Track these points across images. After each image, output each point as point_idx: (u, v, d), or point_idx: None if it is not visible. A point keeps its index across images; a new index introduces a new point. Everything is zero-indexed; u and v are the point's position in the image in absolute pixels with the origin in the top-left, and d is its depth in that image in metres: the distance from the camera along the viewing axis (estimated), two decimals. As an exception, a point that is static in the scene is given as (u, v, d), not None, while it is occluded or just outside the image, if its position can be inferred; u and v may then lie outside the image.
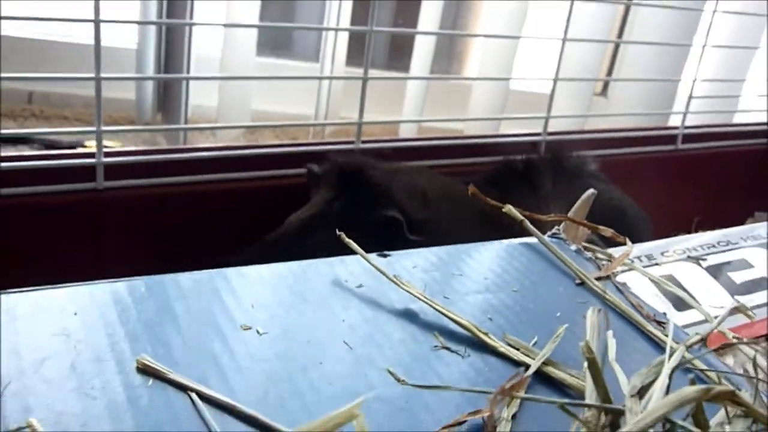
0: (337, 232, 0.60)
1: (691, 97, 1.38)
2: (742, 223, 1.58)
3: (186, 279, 0.53)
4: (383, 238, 0.85)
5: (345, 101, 1.65)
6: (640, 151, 1.37)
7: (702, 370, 0.50)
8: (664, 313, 0.61)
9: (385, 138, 1.12)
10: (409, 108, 1.75)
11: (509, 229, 0.95)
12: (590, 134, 1.33)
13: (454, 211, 0.94)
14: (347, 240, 0.59)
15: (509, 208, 0.70)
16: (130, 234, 0.97)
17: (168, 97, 1.73)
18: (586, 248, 0.72)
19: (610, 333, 0.50)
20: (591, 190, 0.84)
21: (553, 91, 1.21)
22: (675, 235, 1.49)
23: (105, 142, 0.94)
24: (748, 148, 1.53)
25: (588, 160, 1.15)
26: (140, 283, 0.52)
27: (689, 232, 1.51)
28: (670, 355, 0.48)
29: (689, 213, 1.52)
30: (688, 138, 1.43)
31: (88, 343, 0.45)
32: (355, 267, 0.59)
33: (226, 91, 1.67)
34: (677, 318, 0.66)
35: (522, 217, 0.70)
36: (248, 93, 1.64)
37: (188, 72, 1.57)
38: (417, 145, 1.14)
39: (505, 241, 0.69)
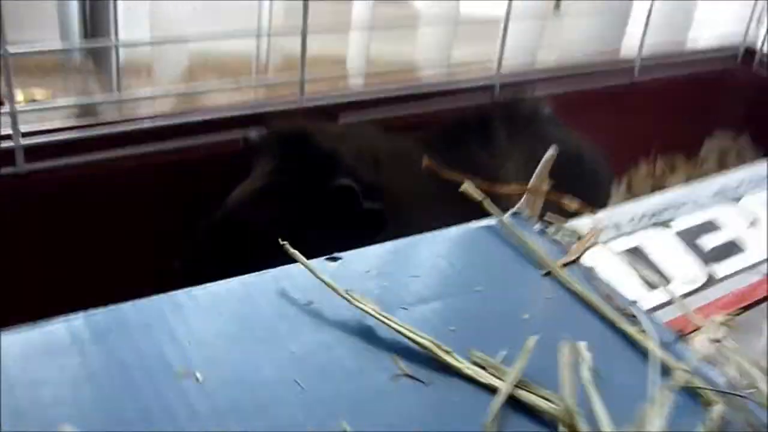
0: (281, 241, 0.54)
1: (647, 24, 1.32)
2: (701, 145, 1.57)
3: (107, 317, 0.47)
4: (337, 209, 0.79)
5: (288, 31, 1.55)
6: (596, 87, 1.32)
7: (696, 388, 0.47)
8: (635, 302, 0.57)
9: (330, 93, 1.04)
10: (355, 38, 1.65)
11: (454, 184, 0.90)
12: (544, 72, 1.27)
13: (409, 173, 0.88)
14: (292, 250, 0.53)
15: (466, 187, 0.65)
16: (58, 223, 0.90)
17: (96, 39, 1.61)
18: (549, 222, 0.67)
19: (585, 367, 0.46)
20: (550, 152, 0.79)
21: (507, 19, 1.14)
22: (635, 166, 1.47)
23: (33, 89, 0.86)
24: (704, 70, 1.49)
25: (542, 103, 1.09)
26: (60, 326, 0.46)
27: (649, 162, 1.49)
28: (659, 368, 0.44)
29: (648, 141, 1.49)
30: (644, 69, 1.38)
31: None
32: (302, 279, 0.53)
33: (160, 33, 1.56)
34: (649, 298, 0.62)
35: (481, 197, 0.64)
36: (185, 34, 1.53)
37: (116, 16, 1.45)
38: (364, 98, 1.07)
39: (463, 227, 0.64)
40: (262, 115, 0.98)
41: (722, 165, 1.54)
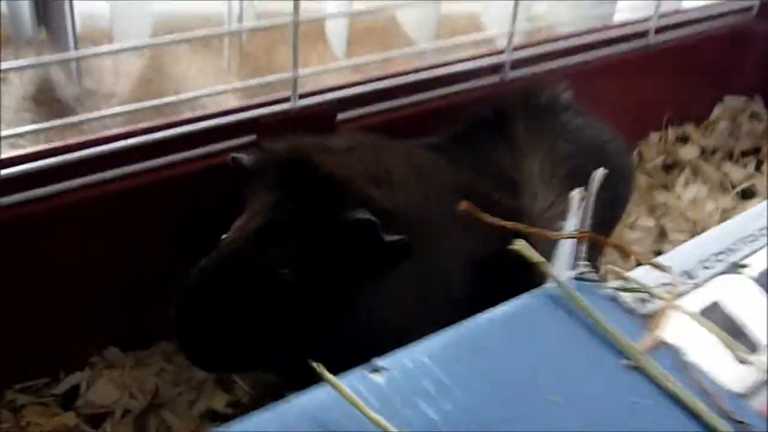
0: (310, 362, 0.42)
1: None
2: (711, 111, 1.46)
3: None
4: (352, 247, 0.67)
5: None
6: (611, 54, 1.20)
7: None
8: (736, 395, 0.48)
9: (324, 88, 0.91)
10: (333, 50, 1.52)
11: (490, 206, 0.79)
12: (557, 41, 1.14)
13: (428, 191, 0.76)
14: (327, 375, 0.42)
15: (520, 247, 0.54)
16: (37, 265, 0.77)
17: (49, 7, 1.45)
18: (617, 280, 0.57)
19: None
20: (598, 176, 0.68)
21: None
22: (645, 137, 1.37)
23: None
24: (716, 32, 1.37)
25: (561, 89, 0.97)
26: None
27: (660, 130, 1.38)
28: None
29: (659, 109, 1.38)
30: (659, 30, 1.26)
31: None
32: (339, 409, 0.42)
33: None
34: (740, 375, 0.53)
35: (538, 258, 0.54)
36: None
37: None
38: (362, 90, 0.94)
39: (517, 303, 0.53)
40: (253, 120, 0.85)
41: (734, 130, 1.44)
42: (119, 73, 1.57)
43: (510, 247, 0.56)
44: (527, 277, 0.78)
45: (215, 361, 0.69)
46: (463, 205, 0.58)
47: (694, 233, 1.18)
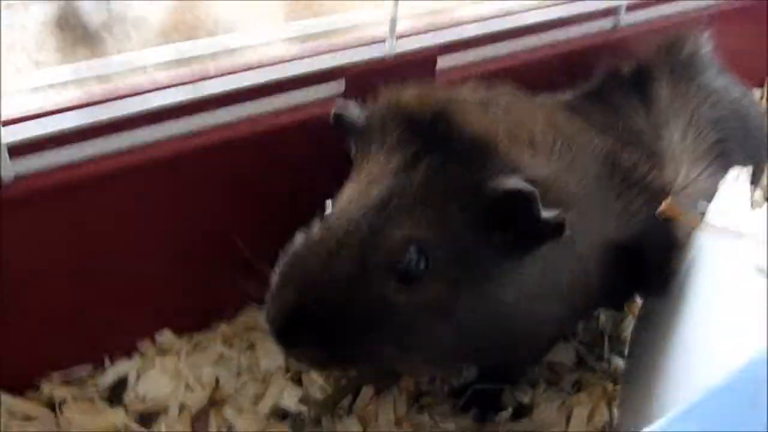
0: None
1: None
2: None
3: None
4: (500, 221, 0.54)
5: None
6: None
7: None
8: None
9: (423, 29, 0.76)
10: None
11: (638, 182, 0.65)
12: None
13: (572, 159, 0.62)
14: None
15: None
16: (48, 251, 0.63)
17: None
18: None
19: None
20: None
21: None
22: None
23: None
24: None
25: (702, 41, 0.82)
26: None
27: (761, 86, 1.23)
28: None
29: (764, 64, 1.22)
30: None
31: None
32: None
33: None
34: None
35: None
36: None
37: None
38: (468, 36, 0.78)
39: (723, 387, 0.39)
40: (340, 68, 0.70)
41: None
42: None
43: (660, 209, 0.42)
44: (665, 263, 0.67)
45: (322, 361, 0.56)
46: (666, 207, 0.44)
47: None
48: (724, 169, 0.76)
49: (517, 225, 0.54)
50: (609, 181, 0.63)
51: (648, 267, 0.67)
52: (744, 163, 0.79)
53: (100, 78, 0.68)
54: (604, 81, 0.76)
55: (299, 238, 0.58)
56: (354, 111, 0.61)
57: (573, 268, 0.62)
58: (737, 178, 0.65)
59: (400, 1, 0.70)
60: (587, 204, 0.62)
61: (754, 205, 0.57)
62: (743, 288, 0.47)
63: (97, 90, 0.64)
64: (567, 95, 0.75)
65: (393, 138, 0.57)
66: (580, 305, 0.65)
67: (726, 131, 0.76)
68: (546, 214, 0.53)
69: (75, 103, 0.61)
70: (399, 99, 0.58)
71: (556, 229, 0.53)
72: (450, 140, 0.55)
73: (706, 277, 0.62)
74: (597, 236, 0.63)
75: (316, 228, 0.57)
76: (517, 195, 0.52)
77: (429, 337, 0.55)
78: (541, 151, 0.60)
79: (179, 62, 0.81)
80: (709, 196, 0.71)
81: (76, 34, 1.35)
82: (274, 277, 0.56)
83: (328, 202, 0.58)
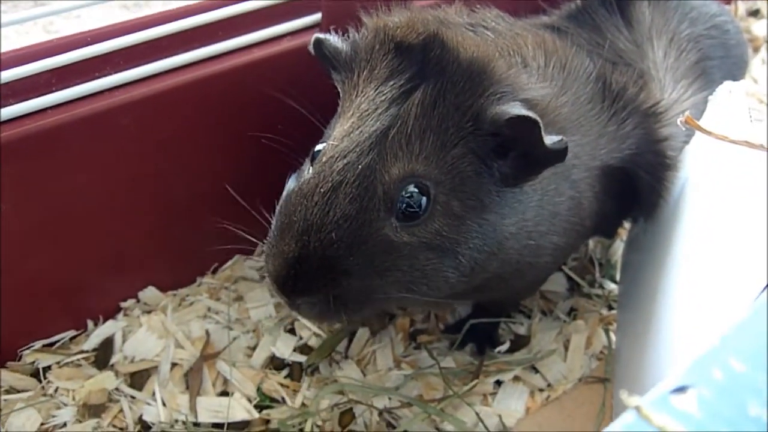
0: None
1: None
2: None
3: None
4: (501, 149, 0.53)
5: None
6: None
7: None
8: None
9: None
10: None
11: (629, 102, 0.63)
12: None
13: (564, 81, 0.60)
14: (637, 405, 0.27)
15: None
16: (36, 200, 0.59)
17: None
18: None
19: None
20: None
21: None
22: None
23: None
24: None
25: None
26: None
27: (729, 2, 1.21)
28: None
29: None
30: None
31: None
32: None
33: None
34: None
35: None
36: None
37: None
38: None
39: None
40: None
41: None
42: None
43: (680, 119, 0.42)
44: (658, 183, 0.66)
45: (329, 311, 0.53)
46: (686, 117, 0.42)
47: (778, 122, 1.05)
48: (707, 87, 0.75)
49: (518, 151, 0.52)
50: (601, 104, 0.62)
51: (641, 189, 0.66)
52: (724, 80, 0.78)
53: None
54: (587, 1, 0.73)
55: (292, 183, 0.55)
56: (336, 40, 0.57)
57: (570, 194, 0.60)
58: (730, 93, 0.64)
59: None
60: (581, 128, 0.60)
61: (752, 118, 0.56)
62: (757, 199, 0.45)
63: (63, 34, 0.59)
64: (551, 17, 0.72)
65: (383, 67, 0.54)
66: (577, 233, 0.64)
67: (707, 49, 0.75)
68: (549, 139, 0.50)
69: (37, 49, 0.56)
70: (386, 24, 0.55)
71: (558, 154, 0.51)
72: (445, 65, 0.52)
73: (706, 195, 0.61)
74: (591, 160, 0.61)
75: (308, 170, 0.54)
76: (521, 121, 0.50)
77: (434, 274, 0.53)
78: (534, 74, 0.57)
79: None
80: (695, 115, 0.70)
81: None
82: (271, 227, 0.53)
83: (320, 145, 0.55)
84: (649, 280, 0.67)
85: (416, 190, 0.51)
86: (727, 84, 0.65)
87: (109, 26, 0.58)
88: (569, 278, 0.81)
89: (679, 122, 0.43)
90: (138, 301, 0.71)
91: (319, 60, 0.57)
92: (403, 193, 0.51)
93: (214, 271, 0.75)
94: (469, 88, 0.52)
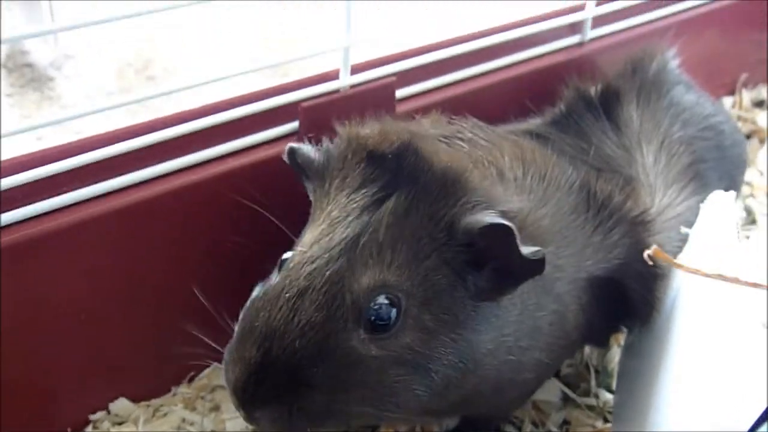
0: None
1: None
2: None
3: None
4: (475, 261, 0.51)
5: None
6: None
7: None
8: None
9: (379, 59, 0.71)
10: None
11: (615, 212, 0.62)
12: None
13: (544, 192, 0.59)
14: None
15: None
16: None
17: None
18: None
19: None
20: None
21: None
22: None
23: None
24: None
25: (669, 56, 0.79)
26: None
27: (732, 92, 1.20)
28: None
29: (733, 70, 1.20)
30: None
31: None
32: None
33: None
34: None
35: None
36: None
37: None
38: (425, 61, 0.74)
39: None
40: (293, 104, 0.65)
41: None
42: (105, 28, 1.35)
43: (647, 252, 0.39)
44: (649, 294, 0.63)
45: (287, 424, 0.50)
46: (654, 251, 0.40)
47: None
48: (701, 190, 0.73)
49: (494, 263, 0.50)
50: (585, 214, 0.60)
51: (631, 300, 0.63)
52: (720, 182, 0.76)
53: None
54: (571, 105, 0.72)
55: (258, 289, 0.53)
56: (309, 149, 0.57)
57: (553, 308, 0.58)
58: (719, 203, 0.62)
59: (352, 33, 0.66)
60: (564, 239, 0.58)
61: (739, 236, 0.53)
62: (743, 339, 0.43)
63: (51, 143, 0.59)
64: (533, 123, 0.71)
65: (355, 175, 0.53)
66: (561, 347, 0.61)
67: (700, 151, 0.73)
68: (525, 250, 0.49)
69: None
70: (359, 134, 0.54)
71: (535, 265, 0.50)
72: (418, 175, 0.51)
73: (693, 315, 0.59)
74: (576, 272, 0.59)
75: (275, 276, 0.52)
76: (495, 231, 0.48)
77: (404, 391, 0.51)
78: (511, 186, 0.56)
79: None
80: (687, 221, 0.67)
81: (23, 74, 1.30)
82: (235, 332, 0.51)
83: (288, 253, 0.54)
84: (643, 391, 0.64)
85: (386, 301, 0.49)
86: (718, 194, 0.63)
87: (75, 142, 0.58)
88: (563, 387, 0.77)
89: (646, 255, 0.40)
90: (108, 412, 0.69)
91: (293, 168, 0.57)
92: (372, 304, 0.49)
93: (191, 380, 0.73)
94: (443, 197, 0.50)
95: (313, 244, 0.51)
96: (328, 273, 0.49)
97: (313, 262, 0.50)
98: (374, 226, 0.50)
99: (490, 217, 0.49)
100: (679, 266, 0.41)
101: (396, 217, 0.50)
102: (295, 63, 0.75)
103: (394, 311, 0.49)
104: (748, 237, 0.53)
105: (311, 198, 0.57)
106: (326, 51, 0.66)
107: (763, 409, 0.37)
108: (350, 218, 0.51)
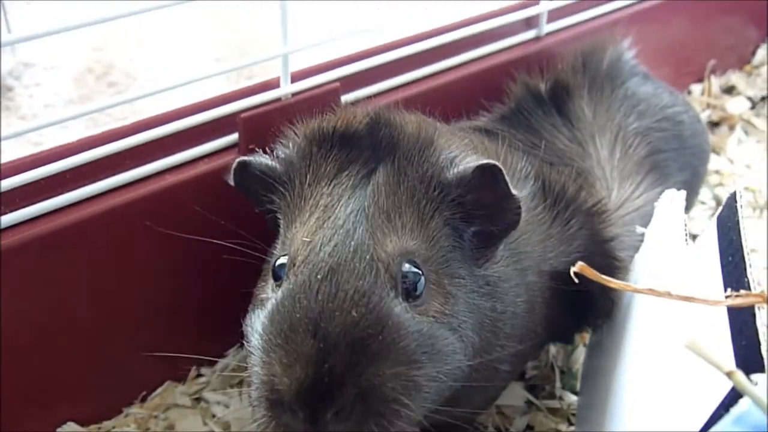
0: None
1: None
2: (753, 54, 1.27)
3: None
4: (469, 213, 0.51)
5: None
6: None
7: None
8: None
9: (320, 65, 0.69)
10: None
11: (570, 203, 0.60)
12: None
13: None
14: None
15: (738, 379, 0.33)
16: None
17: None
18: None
19: None
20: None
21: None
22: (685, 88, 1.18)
23: None
24: None
25: (623, 47, 0.77)
26: None
27: (701, 80, 1.19)
28: None
29: (703, 56, 1.18)
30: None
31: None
32: None
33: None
34: None
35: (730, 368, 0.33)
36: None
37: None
38: (371, 64, 0.72)
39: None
40: (231, 115, 0.64)
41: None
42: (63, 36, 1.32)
43: (573, 269, 0.41)
44: (608, 293, 0.62)
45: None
46: (580, 267, 0.38)
47: (755, 206, 1.01)
48: (661, 182, 0.71)
49: (479, 222, 0.51)
50: (543, 203, 0.60)
51: (592, 295, 0.62)
52: (681, 173, 0.75)
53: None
54: (520, 101, 0.71)
55: (258, 306, 0.51)
56: (263, 158, 0.55)
57: (525, 298, 0.57)
58: (671, 201, 0.60)
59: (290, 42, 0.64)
60: (528, 226, 0.58)
61: (687, 238, 0.52)
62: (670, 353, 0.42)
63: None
64: (482, 120, 0.70)
65: (328, 164, 0.52)
66: (531, 339, 0.60)
67: (657, 142, 0.72)
68: (516, 192, 0.50)
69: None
70: (320, 126, 0.54)
71: (515, 213, 0.51)
72: (396, 144, 0.52)
73: (641, 314, 0.57)
74: (541, 263, 0.59)
75: (271, 286, 0.51)
76: (485, 171, 0.49)
77: (452, 354, 0.49)
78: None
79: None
80: (647, 214, 0.66)
81: (-19, 84, 1.27)
82: (257, 349, 0.47)
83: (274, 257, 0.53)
84: (602, 392, 0.63)
85: (413, 268, 0.48)
86: (669, 193, 0.62)
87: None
88: (528, 389, 0.76)
89: (572, 272, 0.39)
90: (56, 438, 0.67)
91: (241, 188, 0.55)
92: (403, 271, 0.48)
93: (143, 400, 0.71)
94: (426, 159, 0.51)
95: (316, 231, 0.49)
96: (353, 244, 0.47)
97: (330, 242, 0.48)
98: (373, 198, 0.50)
99: (475, 160, 0.50)
100: (608, 282, 0.39)
101: (389, 186, 0.50)
102: (262, 65, 0.74)
103: (421, 278, 0.48)
104: (695, 239, 0.52)
105: (277, 208, 0.55)
106: (265, 59, 0.64)
107: (713, 410, 0.36)
108: (345, 198, 0.50)
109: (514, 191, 0.49)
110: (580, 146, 0.68)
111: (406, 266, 0.48)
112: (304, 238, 0.49)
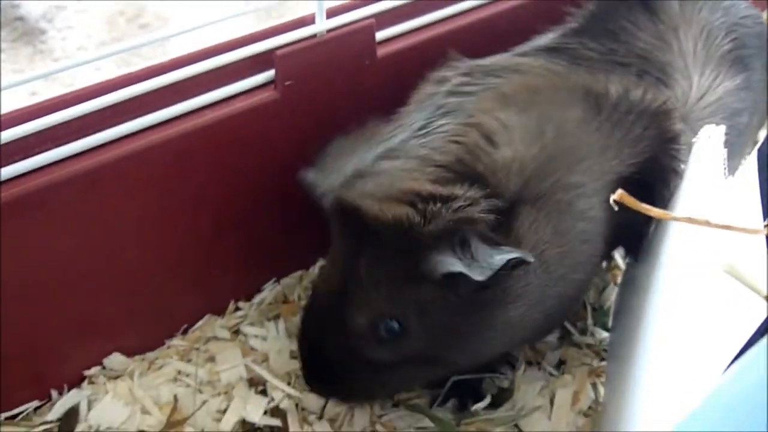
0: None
1: None
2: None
3: None
4: (444, 298, 0.55)
5: None
6: None
7: None
8: None
9: (354, 1, 0.69)
10: None
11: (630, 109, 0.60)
12: None
13: (541, 122, 0.58)
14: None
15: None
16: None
17: None
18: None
19: None
20: None
21: None
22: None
23: None
24: None
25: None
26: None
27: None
28: None
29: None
30: None
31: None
32: None
33: None
34: None
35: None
36: None
37: None
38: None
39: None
40: (266, 53, 0.64)
41: None
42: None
43: (612, 197, 0.40)
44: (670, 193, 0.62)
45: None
46: (619, 195, 0.38)
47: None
48: (743, 75, 0.70)
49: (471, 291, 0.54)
50: (597, 118, 0.59)
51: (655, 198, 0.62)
52: (762, 72, 0.74)
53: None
54: (598, 7, 0.71)
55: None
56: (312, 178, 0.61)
57: (580, 228, 0.58)
58: (710, 138, 0.60)
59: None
60: (574, 155, 0.57)
61: (725, 171, 0.51)
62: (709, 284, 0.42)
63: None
64: (547, 37, 0.70)
65: (336, 225, 0.57)
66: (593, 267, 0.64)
67: (742, 38, 0.71)
68: (497, 259, 0.50)
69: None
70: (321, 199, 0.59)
71: (516, 264, 0.51)
72: (378, 232, 0.53)
73: (671, 251, 0.57)
74: (601, 177, 0.59)
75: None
76: (455, 276, 0.51)
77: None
78: (508, 141, 0.56)
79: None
80: (728, 107, 0.67)
81: (15, 28, 1.28)
82: None
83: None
84: (632, 328, 0.63)
85: (387, 325, 0.55)
86: (708, 128, 0.61)
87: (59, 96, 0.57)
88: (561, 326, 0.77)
89: (612, 200, 0.39)
90: (103, 367, 0.70)
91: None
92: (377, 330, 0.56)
93: (185, 332, 0.73)
94: (405, 247, 0.53)
95: (324, 275, 0.62)
96: (336, 308, 0.57)
97: (322, 295, 0.59)
98: (358, 271, 0.55)
99: (445, 263, 0.51)
100: (647, 210, 0.39)
101: (371, 266, 0.55)
102: (290, 5, 0.73)
103: (398, 327, 0.55)
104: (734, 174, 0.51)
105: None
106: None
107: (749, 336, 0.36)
108: (339, 261, 0.57)
109: (499, 259, 0.50)
110: (662, 40, 0.67)
111: (381, 326, 0.56)
112: (323, 272, 0.65)
